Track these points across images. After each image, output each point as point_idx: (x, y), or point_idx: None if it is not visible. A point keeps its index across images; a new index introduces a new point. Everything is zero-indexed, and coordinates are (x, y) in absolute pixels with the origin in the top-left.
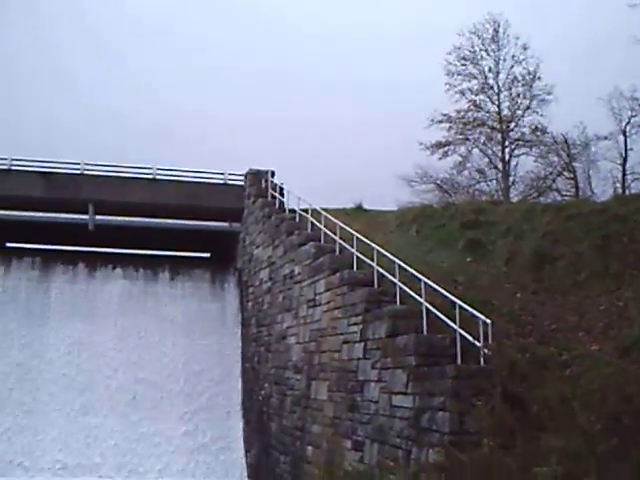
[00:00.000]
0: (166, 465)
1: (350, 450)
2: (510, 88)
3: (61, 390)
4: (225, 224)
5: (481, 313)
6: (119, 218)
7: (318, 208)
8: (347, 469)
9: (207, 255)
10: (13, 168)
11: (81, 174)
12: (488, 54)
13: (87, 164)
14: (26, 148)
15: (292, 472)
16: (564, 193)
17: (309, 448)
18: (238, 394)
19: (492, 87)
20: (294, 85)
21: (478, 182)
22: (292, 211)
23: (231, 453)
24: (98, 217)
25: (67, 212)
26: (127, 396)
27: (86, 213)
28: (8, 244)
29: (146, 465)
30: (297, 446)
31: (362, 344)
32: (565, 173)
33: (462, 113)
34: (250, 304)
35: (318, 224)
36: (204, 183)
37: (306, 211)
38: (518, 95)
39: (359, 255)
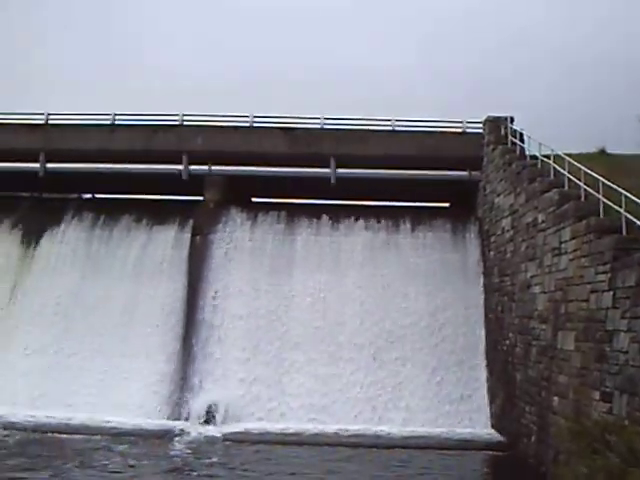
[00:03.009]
0: (410, 415)
1: (598, 401)
2: None
3: (305, 340)
4: (464, 173)
5: None
6: (360, 171)
7: (561, 153)
8: (596, 420)
9: (446, 205)
10: (255, 125)
11: (321, 129)
12: None
13: (327, 118)
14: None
15: (537, 422)
16: None
17: (555, 399)
18: (482, 344)
19: None
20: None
21: None
22: (533, 157)
23: (475, 403)
24: (339, 170)
25: (309, 167)
26: (371, 345)
27: (327, 167)
28: (254, 199)
29: (390, 415)
30: (543, 396)
31: (611, 293)
32: None
33: None
34: (492, 253)
35: (561, 170)
36: (442, 132)
37: (548, 157)
38: None
39: (606, 201)
